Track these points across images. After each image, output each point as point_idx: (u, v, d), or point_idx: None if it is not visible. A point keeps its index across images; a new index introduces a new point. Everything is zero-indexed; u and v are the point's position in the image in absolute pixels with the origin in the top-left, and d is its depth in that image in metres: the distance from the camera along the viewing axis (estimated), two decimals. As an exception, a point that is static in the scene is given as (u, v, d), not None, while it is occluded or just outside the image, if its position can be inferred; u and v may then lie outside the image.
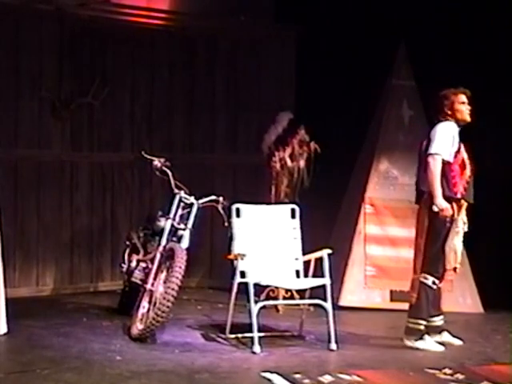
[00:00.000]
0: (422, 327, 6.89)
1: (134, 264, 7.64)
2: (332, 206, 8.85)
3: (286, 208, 7.42)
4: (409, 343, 6.91)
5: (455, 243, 6.80)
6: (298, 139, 8.45)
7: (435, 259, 6.84)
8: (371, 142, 8.79)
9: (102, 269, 9.20)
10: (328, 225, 8.78)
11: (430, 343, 6.89)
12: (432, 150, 6.79)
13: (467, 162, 6.90)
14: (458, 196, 6.83)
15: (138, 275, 7.42)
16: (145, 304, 6.98)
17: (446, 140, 6.80)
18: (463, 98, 6.91)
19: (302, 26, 9.35)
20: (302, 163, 8.42)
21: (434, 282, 6.86)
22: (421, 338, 6.88)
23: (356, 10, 9.14)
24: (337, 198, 8.86)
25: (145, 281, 7.18)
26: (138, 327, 6.87)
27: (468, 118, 6.92)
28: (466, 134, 6.95)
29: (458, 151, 6.86)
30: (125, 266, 7.82)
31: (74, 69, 8.94)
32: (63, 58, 8.89)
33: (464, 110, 6.90)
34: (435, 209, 6.75)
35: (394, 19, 8.81)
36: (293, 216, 7.35)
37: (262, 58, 9.74)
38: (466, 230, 6.86)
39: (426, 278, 6.86)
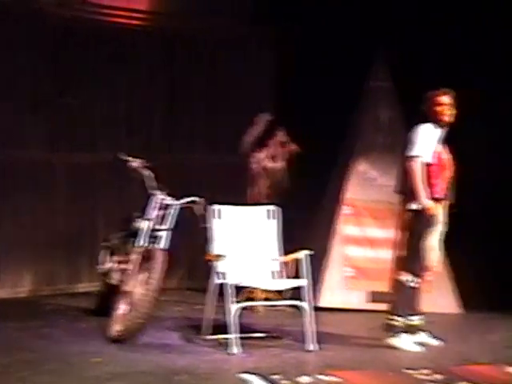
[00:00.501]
0: (396, 323, 6.89)
1: (111, 265, 7.61)
2: (312, 206, 8.84)
3: (265, 209, 7.41)
4: (387, 340, 6.92)
5: (434, 242, 6.82)
6: (277, 140, 8.45)
7: (413, 258, 6.86)
8: (350, 143, 8.80)
9: (79, 270, 9.15)
10: (308, 225, 8.77)
11: (406, 342, 6.89)
12: (411, 152, 6.80)
13: (448, 163, 6.91)
14: (436, 196, 6.84)
15: (115, 276, 7.38)
16: (123, 306, 6.94)
17: (424, 142, 6.81)
18: (443, 99, 6.86)
19: (281, 26, 9.34)
20: (281, 164, 8.42)
21: (412, 281, 6.87)
22: (396, 336, 6.89)
23: (337, 12, 9.14)
24: (316, 199, 8.86)
25: (123, 282, 7.14)
26: (116, 329, 6.83)
27: (446, 120, 6.88)
28: (451, 135, 6.94)
29: (438, 153, 6.87)
30: (102, 268, 7.79)
31: (53, 68, 8.88)
32: (42, 58, 8.84)
33: (443, 112, 6.87)
34: (413, 207, 6.78)
35: (373, 21, 8.82)
36: (272, 217, 7.34)
37: (242, 59, 9.72)
38: (445, 229, 6.89)
39: (403, 276, 6.87)
